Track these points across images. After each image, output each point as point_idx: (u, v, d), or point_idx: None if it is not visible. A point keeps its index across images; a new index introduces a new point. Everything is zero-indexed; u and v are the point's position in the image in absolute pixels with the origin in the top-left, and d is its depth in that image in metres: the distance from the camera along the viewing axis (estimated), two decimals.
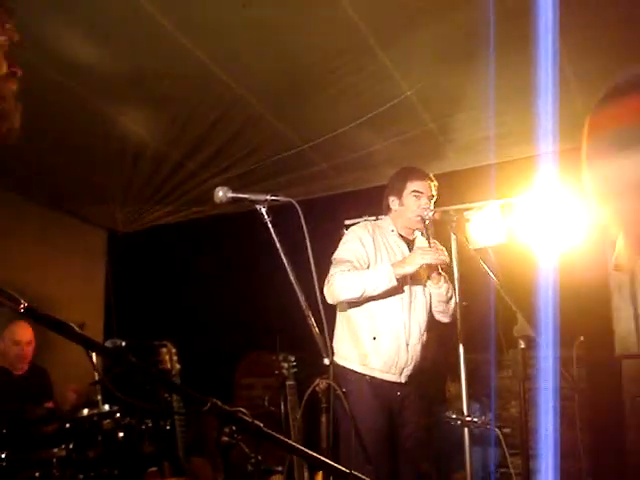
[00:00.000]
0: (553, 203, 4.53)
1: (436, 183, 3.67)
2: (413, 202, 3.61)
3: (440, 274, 3.58)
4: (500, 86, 4.03)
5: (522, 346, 3.01)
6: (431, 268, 3.53)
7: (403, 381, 3.55)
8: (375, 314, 3.53)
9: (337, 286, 3.38)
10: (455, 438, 4.70)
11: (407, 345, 3.52)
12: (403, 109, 4.40)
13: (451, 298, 3.65)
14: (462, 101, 4.38)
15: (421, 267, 3.47)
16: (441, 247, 3.50)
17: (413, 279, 3.60)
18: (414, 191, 3.61)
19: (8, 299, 1.12)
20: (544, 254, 4.16)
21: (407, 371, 3.55)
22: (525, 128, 4.51)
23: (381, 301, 3.52)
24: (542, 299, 3.31)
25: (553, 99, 3.83)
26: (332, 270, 3.48)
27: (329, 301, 3.44)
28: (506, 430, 4.13)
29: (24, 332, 4.82)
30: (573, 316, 3.83)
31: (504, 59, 3.74)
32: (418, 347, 3.58)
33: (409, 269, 3.39)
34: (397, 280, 3.36)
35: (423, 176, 3.67)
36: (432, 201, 3.63)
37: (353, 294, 3.40)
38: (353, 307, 3.60)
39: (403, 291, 3.55)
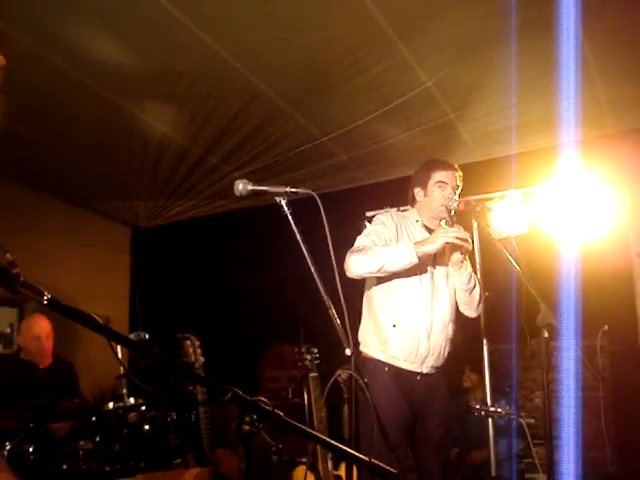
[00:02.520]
0: (575, 192, 4.50)
1: (461, 173, 3.64)
2: (438, 192, 3.59)
3: (462, 260, 3.56)
4: (521, 75, 4.01)
5: (545, 335, 3.00)
6: (453, 251, 3.50)
7: (425, 371, 3.52)
8: (396, 302, 3.52)
9: (356, 258, 3.38)
10: (477, 427, 4.71)
11: (428, 335, 3.50)
12: (423, 100, 4.39)
13: (474, 287, 3.60)
14: (482, 91, 4.36)
15: (443, 250, 3.46)
16: (465, 232, 3.48)
17: (436, 266, 3.59)
18: (439, 181, 3.59)
19: (32, 291, 1.14)
20: (567, 243, 4.14)
21: (429, 362, 3.52)
22: (547, 117, 4.49)
23: (402, 289, 3.51)
24: (565, 288, 3.30)
25: (575, 87, 3.81)
26: (352, 247, 3.49)
27: (348, 274, 3.42)
28: (530, 420, 4.11)
29: (41, 326, 4.85)
30: (596, 305, 3.81)
31: (525, 48, 3.71)
32: (441, 338, 3.54)
33: (430, 247, 3.36)
34: (418, 258, 3.34)
35: (448, 166, 3.65)
36: (457, 191, 3.62)
37: (372, 267, 3.37)
38: (375, 294, 3.60)
39: (425, 279, 3.54)
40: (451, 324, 3.61)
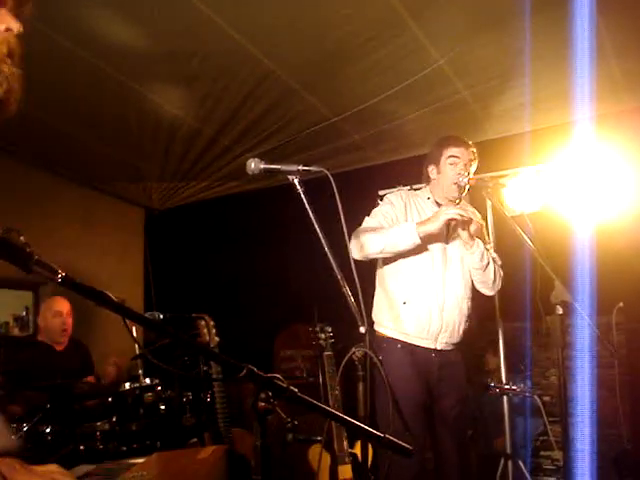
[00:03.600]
0: (590, 169, 4.47)
1: (474, 149, 3.62)
2: (450, 169, 3.56)
3: (472, 238, 3.54)
4: (534, 51, 3.98)
5: (560, 312, 2.99)
6: (462, 229, 3.48)
7: (439, 348, 3.50)
8: (407, 278, 3.50)
9: (358, 241, 3.38)
10: (492, 406, 4.71)
11: (441, 311, 3.48)
12: (436, 78, 4.36)
13: (487, 265, 3.58)
14: (496, 68, 4.32)
15: (455, 226, 3.45)
16: (472, 208, 3.46)
17: (449, 241, 3.57)
18: (451, 156, 3.56)
19: (46, 270, 1.14)
20: (581, 220, 4.12)
21: (443, 338, 3.50)
22: (561, 93, 4.44)
23: (413, 265, 3.50)
24: (580, 265, 3.28)
25: (589, 63, 3.77)
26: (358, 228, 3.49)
27: (353, 256, 3.44)
28: (545, 398, 4.11)
29: (63, 304, 4.90)
30: (612, 282, 3.79)
31: (538, 24, 3.67)
32: (455, 313, 3.52)
33: (431, 226, 3.33)
34: (421, 239, 3.32)
35: (459, 142, 3.61)
36: (472, 167, 3.59)
37: (373, 249, 3.38)
38: (387, 272, 3.59)
39: (437, 255, 3.52)
40: (466, 300, 3.58)
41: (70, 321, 4.95)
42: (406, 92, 4.53)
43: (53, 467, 1.47)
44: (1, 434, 1.52)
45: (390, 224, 3.49)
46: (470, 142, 3.65)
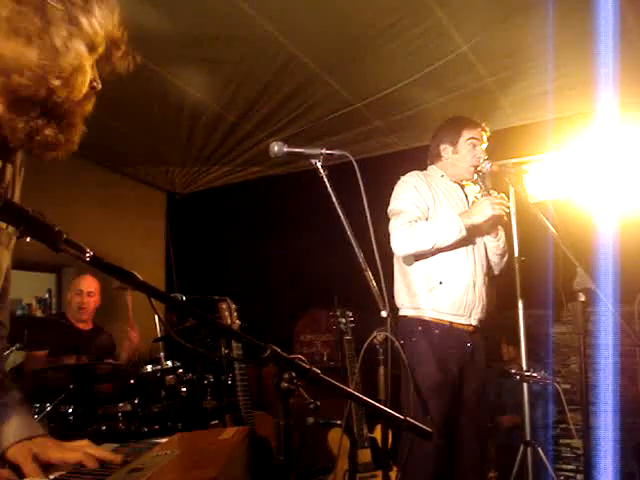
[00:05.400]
0: (614, 156, 4.43)
1: (488, 133, 3.61)
2: (468, 151, 3.55)
3: (500, 228, 3.54)
4: (558, 38, 3.94)
5: (582, 299, 2.98)
6: (494, 220, 3.48)
7: (474, 323, 3.48)
8: (441, 259, 3.47)
9: (406, 239, 3.35)
10: (511, 393, 4.71)
11: (474, 286, 3.47)
12: (459, 64, 4.34)
13: (506, 252, 3.61)
14: (520, 54, 4.29)
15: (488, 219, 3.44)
16: (504, 198, 3.45)
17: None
18: (471, 138, 3.55)
19: (75, 248, 1.16)
20: (605, 207, 4.09)
21: (476, 314, 3.48)
22: (585, 81, 4.41)
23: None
24: (603, 252, 3.26)
25: (614, 50, 3.73)
26: (395, 221, 3.44)
27: (398, 254, 3.44)
28: (565, 386, 4.10)
29: (87, 283, 5.01)
30: (635, 270, 3.76)
31: (562, 10, 3.64)
32: (484, 288, 3.53)
33: (477, 219, 3.35)
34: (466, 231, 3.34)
35: (478, 124, 3.61)
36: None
37: (424, 246, 3.36)
38: (419, 256, 3.53)
39: (466, 236, 3.50)
40: (488, 277, 3.60)
41: (91, 301, 5.02)
42: (429, 78, 4.51)
43: (84, 442, 1.50)
44: (29, 422, 1.55)
45: (424, 213, 3.46)
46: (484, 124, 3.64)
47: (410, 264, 3.56)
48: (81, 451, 1.44)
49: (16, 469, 1.41)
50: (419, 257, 3.50)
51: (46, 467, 1.42)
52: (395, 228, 3.41)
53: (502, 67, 4.47)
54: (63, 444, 1.49)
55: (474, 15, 3.84)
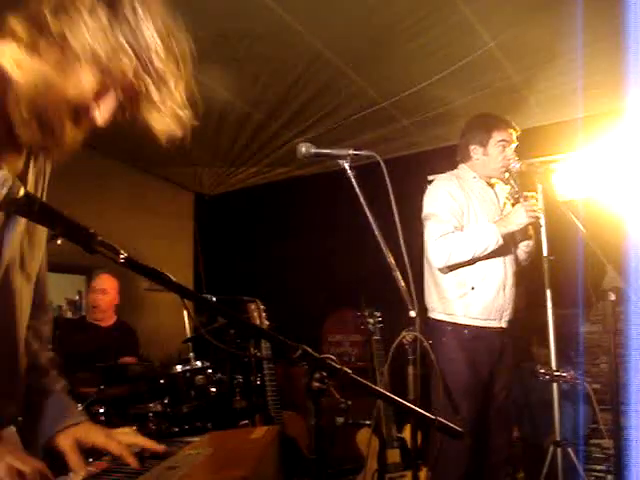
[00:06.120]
0: None
1: (518, 131, 3.59)
2: (498, 152, 3.54)
3: (533, 231, 3.55)
4: (587, 35, 3.90)
5: (612, 298, 2.95)
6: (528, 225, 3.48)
7: (504, 326, 3.50)
8: (475, 264, 3.47)
9: (444, 252, 3.37)
10: (542, 394, 4.67)
11: (504, 289, 3.48)
12: (486, 62, 4.31)
13: (533, 249, 3.63)
14: (547, 52, 4.25)
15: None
16: (535, 197, 3.43)
17: None
18: (501, 140, 3.54)
19: (109, 250, 1.18)
20: (634, 206, 4.04)
21: (506, 315, 3.50)
22: (615, 78, 4.35)
23: None
24: (632, 251, 3.23)
25: None
26: (432, 231, 3.45)
27: (435, 266, 3.45)
28: (595, 386, 4.06)
29: (101, 281, 5.11)
30: None
31: (591, 6, 3.61)
32: (514, 289, 3.54)
33: (514, 227, 3.36)
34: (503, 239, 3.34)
35: (507, 125, 3.59)
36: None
37: (462, 259, 3.38)
38: None
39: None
40: (516, 277, 3.59)
41: (102, 298, 5.09)
42: (455, 76, 4.49)
43: (127, 429, 1.59)
44: (74, 409, 1.62)
45: (459, 220, 3.46)
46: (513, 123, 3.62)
47: (442, 270, 3.56)
48: (126, 438, 1.51)
49: (59, 458, 1.46)
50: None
51: (89, 452, 1.49)
52: (432, 240, 3.42)
53: (529, 65, 4.44)
54: (108, 431, 1.55)
55: (501, 11, 3.81)
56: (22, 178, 1.41)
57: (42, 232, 1.51)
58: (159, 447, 1.48)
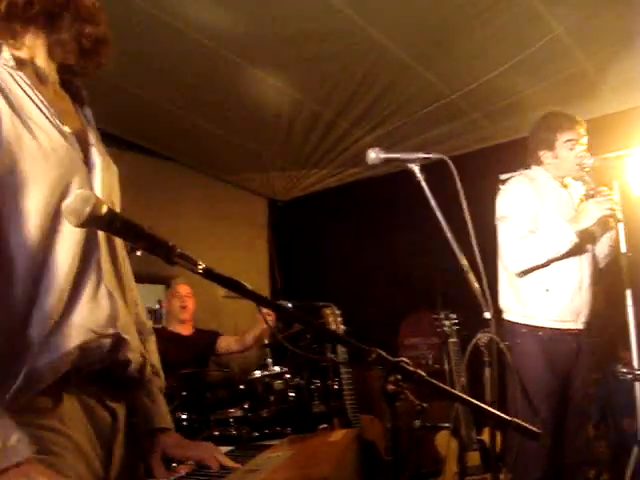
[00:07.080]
0: None
1: (585, 125, 3.51)
2: (568, 153, 3.47)
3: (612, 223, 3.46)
4: None
5: None
6: (603, 219, 3.40)
7: (581, 327, 3.45)
8: (551, 266, 3.42)
9: (520, 257, 3.37)
10: (624, 394, 4.55)
11: (581, 289, 3.43)
12: (554, 48, 4.21)
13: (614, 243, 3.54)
14: (620, 35, 4.13)
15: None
16: (610, 193, 3.36)
17: None
18: (568, 141, 3.46)
19: (188, 261, 1.22)
20: None
21: (583, 317, 3.45)
22: None
23: None
24: None
25: None
26: (506, 233, 3.44)
27: (512, 270, 3.44)
28: None
29: (184, 287, 5.21)
30: None
31: None
32: (591, 290, 3.47)
33: (586, 224, 3.29)
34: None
35: (573, 122, 3.50)
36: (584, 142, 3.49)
37: (538, 262, 3.35)
38: None
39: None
40: (593, 276, 3.53)
41: (190, 303, 5.20)
42: (524, 65, 4.41)
43: (207, 444, 1.62)
44: (165, 412, 1.66)
45: (534, 222, 3.42)
46: (578, 117, 3.54)
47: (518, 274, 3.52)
48: (208, 453, 1.55)
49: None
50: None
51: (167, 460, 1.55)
52: (507, 244, 3.42)
53: (598, 49, 4.30)
54: (189, 444, 1.61)
55: None
56: (82, 136, 1.47)
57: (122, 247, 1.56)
58: (235, 465, 1.52)
